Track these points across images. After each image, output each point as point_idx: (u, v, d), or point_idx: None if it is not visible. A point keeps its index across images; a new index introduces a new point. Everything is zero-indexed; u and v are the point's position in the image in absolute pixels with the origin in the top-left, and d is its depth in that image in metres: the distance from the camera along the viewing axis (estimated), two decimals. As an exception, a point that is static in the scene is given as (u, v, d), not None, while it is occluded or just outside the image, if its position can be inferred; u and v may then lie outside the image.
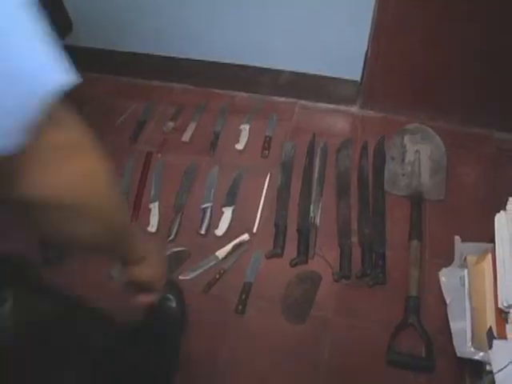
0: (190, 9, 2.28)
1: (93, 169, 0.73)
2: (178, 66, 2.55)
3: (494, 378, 1.22)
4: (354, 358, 1.70)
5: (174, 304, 1.75)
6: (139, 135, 2.38)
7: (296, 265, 1.91)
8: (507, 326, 1.27)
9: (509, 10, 1.95)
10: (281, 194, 2.11)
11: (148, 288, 1.09)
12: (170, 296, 1.76)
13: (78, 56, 2.59)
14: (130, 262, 1.00)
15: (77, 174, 0.69)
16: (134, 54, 2.54)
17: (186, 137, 2.35)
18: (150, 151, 2.30)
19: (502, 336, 1.30)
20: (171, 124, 2.41)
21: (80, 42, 2.51)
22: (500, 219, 1.46)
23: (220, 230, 2.00)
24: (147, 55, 2.53)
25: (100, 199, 0.76)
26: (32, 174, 0.63)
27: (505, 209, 1.46)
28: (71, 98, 0.64)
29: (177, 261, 1.92)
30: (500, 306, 1.32)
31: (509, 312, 1.29)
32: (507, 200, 1.47)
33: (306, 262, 1.92)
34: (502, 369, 1.18)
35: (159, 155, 2.29)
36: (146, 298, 1.11)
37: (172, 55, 2.51)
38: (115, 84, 2.63)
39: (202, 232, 2.00)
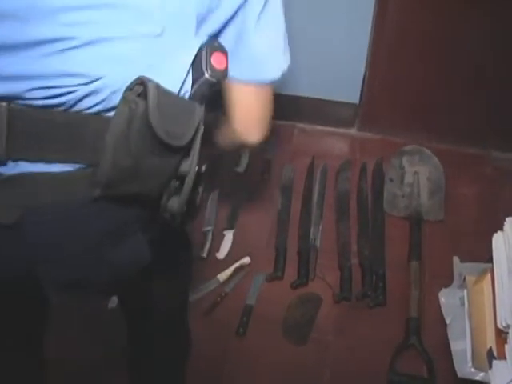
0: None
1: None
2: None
3: (494, 399, 1.22)
4: (355, 379, 1.71)
5: None
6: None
7: (297, 287, 1.92)
8: (506, 346, 1.28)
9: (503, 36, 1.99)
10: (281, 217, 2.13)
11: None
12: None
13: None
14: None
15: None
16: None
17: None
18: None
19: (502, 356, 1.31)
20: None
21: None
22: (498, 240, 1.47)
23: (221, 253, 2.02)
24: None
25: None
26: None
27: (502, 229, 1.47)
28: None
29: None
30: (499, 326, 1.33)
31: (508, 332, 1.29)
32: (505, 221, 1.48)
33: (306, 284, 1.93)
34: (501, 389, 1.19)
35: (161, 179, 2.31)
36: None
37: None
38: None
39: (204, 255, 2.01)
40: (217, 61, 0.83)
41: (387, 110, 2.40)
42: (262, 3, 0.85)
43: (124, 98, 0.75)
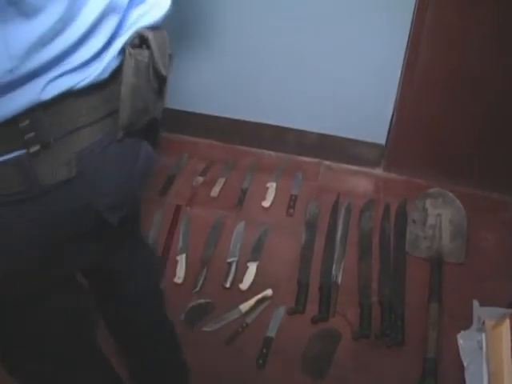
0: (220, 67, 2.40)
1: None
2: (206, 122, 2.66)
3: None
4: (372, 417, 1.72)
5: None
6: (169, 188, 2.47)
7: (317, 322, 1.95)
8: (523, 392, 1.30)
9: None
10: (304, 252, 2.17)
11: None
12: None
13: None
14: None
15: None
16: (165, 109, 2.65)
17: (214, 192, 2.43)
18: (179, 204, 2.38)
19: (519, 401, 1.33)
20: (200, 179, 2.50)
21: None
22: (518, 286, 1.50)
23: (244, 285, 2.06)
24: (178, 111, 2.63)
25: None
26: None
27: (523, 275, 1.50)
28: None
29: (201, 312, 1.97)
30: (516, 371, 1.35)
31: (525, 377, 1.32)
32: (525, 267, 1.51)
33: (326, 319, 1.96)
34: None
35: (188, 208, 2.37)
36: None
37: (202, 112, 2.63)
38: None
39: (227, 285, 2.05)
40: None
41: (413, 152, 2.44)
42: None
43: (129, 54, 0.83)
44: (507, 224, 2.30)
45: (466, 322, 1.87)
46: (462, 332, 1.81)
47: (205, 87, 2.52)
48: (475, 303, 1.90)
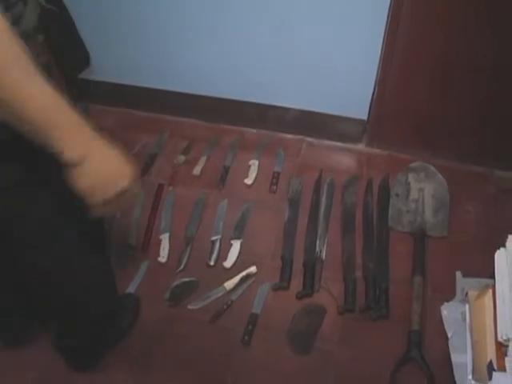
0: (202, 47, 2.37)
1: None
2: (189, 101, 2.63)
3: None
4: (358, 390, 1.74)
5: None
6: (151, 167, 2.45)
7: (302, 297, 1.95)
8: (506, 359, 1.31)
9: (510, 57, 2.03)
10: (288, 229, 2.17)
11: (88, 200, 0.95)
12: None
13: (92, 89, 2.70)
14: (65, 162, 0.89)
15: None
16: (147, 88, 2.63)
17: (196, 170, 2.42)
18: (161, 183, 2.37)
19: (502, 369, 1.34)
20: (182, 157, 2.48)
21: (94, 76, 2.61)
22: (500, 256, 1.50)
23: (228, 262, 2.06)
24: (160, 90, 2.62)
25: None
26: None
27: (504, 246, 1.50)
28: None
29: (186, 291, 1.97)
30: (499, 339, 1.36)
31: (508, 345, 1.33)
32: (507, 237, 1.52)
33: (311, 295, 1.97)
34: (500, 399, 1.22)
35: (170, 187, 2.36)
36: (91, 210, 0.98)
37: (184, 91, 2.60)
38: (128, 117, 2.72)
39: (211, 263, 2.05)
40: None
41: (395, 127, 2.44)
42: None
43: None
44: (489, 197, 2.31)
45: (449, 294, 1.88)
46: (446, 303, 1.82)
47: (186, 66, 2.49)
48: (458, 274, 1.92)
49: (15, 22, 0.93)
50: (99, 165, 0.91)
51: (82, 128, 0.87)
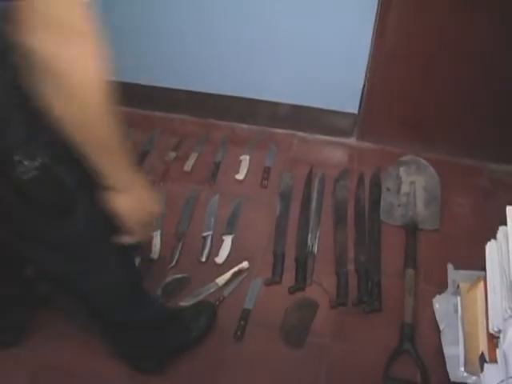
0: (191, 43, 2.36)
1: (87, 53, 0.87)
2: (179, 97, 2.62)
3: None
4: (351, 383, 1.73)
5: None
6: (142, 165, 2.44)
7: (294, 292, 1.95)
8: (498, 350, 1.31)
9: (500, 49, 2.03)
10: (279, 223, 2.16)
11: (124, 226, 1.14)
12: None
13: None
14: (110, 187, 1.06)
15: (74, 53, 0.84)
16: (137, 85, 2.61)
17: (187, 166, 2.41)
18: (152, 180, 2.35)
19: (494, 360, 1.34)
20: (173, 154, 2.47)
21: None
22: (491, 248, 1.51)
23: (220, 258, 2.05)
24: (149, 87, 2.60)
25: (87, 83, 0.89)
26: (37, 27, 0.78)
27: (495, 238, 1.50)
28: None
29: (177, 287, 1.96)
30: (491, 331, 1.36)
31: (499, 337, 1.33)
32: (498, 229, 1.52)
33: (303, 289, 1.96)
34: (491, 390, 1.22)
35: (161, 184, 2.35)
36: (120, 239, 1.19)
37: (174, 87, 2.58)
38: (117, 114, 2.69)
39: (203, 259, 2.05)
40: None
41: (385, 121, 2.44)
42: None
43: None
44: (480, 189, 2.32)
45: (441, 287, 1.88)
46: (438, 296, 1.82)
47: (175, 62, 2.48)
48: (450, 267, 1.92)
49: None
50: (138, 195, 1.11)
51: (129, 164, 1.05)
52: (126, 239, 1.19)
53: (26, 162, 0.93)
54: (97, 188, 1.06)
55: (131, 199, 1.10)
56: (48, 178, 0.99)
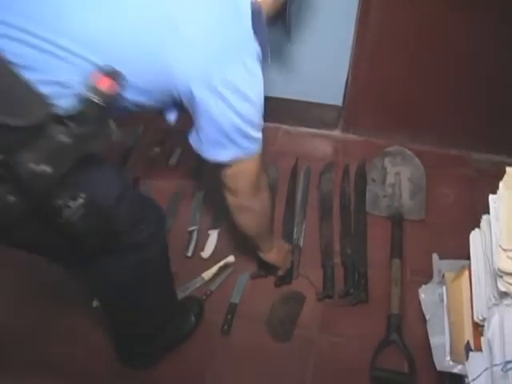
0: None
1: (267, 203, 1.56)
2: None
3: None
4: (338, 375, 1.74)
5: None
6: (126, 161, 2.42)
7: (280, 285, 1.95)
8: (482, 339, 1.31)
9: (481, 39, 2.03)
10: (265, 217, 2.15)
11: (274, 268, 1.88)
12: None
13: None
14: (265, 250, 1.75)
15: (262, 204, 1.54)
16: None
17: (172, 161, 2.40)
18: (137, 176, 2.34)
19: (479, 348, 1.34)
20: (157, 149, 2.46)
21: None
22: (475, 237, 1.51)
23: (206, 253, 2.05)
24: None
25: (267, 221, 1.62)
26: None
27: (479, 227, 1.50)
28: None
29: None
30: (476, 319, 1.36)
31: (484, 325, 1.33)
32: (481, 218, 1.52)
33: (290, 282, 1.96)
34: (476, 377, 1.22)
35: (146, 180, 2.33)
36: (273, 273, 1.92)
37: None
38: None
39: (189, 254, 2.04)
40: (102, 83, 0.98)
41: (370, 112, 2.44)
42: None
43: None
44: (465, 179, 2.32)
45: (427, 277, 1.89)
46: (424, 286, 1.82)
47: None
48: (435, 257, 1.92)
49: None
50: (278, 251, 1.83)
51: (273, 234, 1.78)
52: (278, 273, 1.91)
53: (70, 204, 0.98)
54: None
55: (275, 254, 1.79)
56: (95, 208, 1.05)
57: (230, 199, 1.46)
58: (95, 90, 0.97)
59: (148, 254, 1.39)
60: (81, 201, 0.98)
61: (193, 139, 1.35)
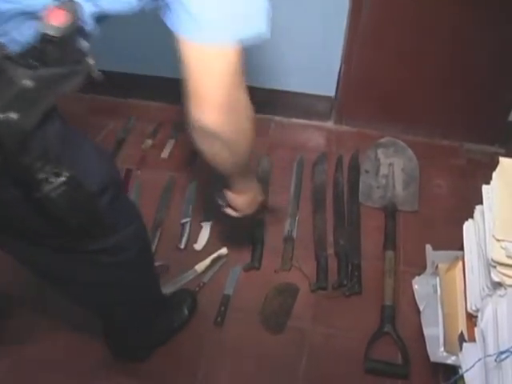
0: (166, 28, 2.33)
1: (246, 123, 1.13)
2: (154, 84, 2.59)
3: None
4: (332, 367, 1.73)
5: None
6: (118, 153, 2.41)
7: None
8: (476, 329, 1.31)
9: (474, 32, 2.03)
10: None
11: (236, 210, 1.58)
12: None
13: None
14: (234, 190, 1.47)
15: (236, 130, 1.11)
16: (111, 72, 2.57)
17: (164, 154, 2.39)
18: (129, 168, 2.33)
19: (472, 339, 1.34)
20: (150, 141, 2.45)
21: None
22: (468, 227, 1.50)
23: (199, 245, 2.04)
24: (123, 74, 2.56)
25: (244, 144, 1.17)
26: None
27: (473, 217, 1.50)
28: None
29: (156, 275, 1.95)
30: (469, 310, 1.36)
31: (477, 316, 1.33)
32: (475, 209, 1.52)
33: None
34: (470, 368, 1.22)
35: (138, 172, 2.32)
36: (231, 213, 1.60)
37: (149, 74, 2.55)
38: (92, 102, 2.66)
39: (182, 246, 2.03)
40: (54, 16, 0.86)
41: (363, 103, 2.43)
42: None
43: None
44: (459, 170, 2.32)
45: (421, 268, 1.89)
46: (417, 277, 1.82)
47: (149, 49, 2.44)
48: (428, 248, 1.92)
49: None
50: (253, 195, 1.53)
51: (252, 174, 1.50)
52: (235, 215, 1.60)
53: (52, 179, 0.91)
54: None
55: (247, 198, 1.52)
56: (76, 191, 0.97)
57: (193, 112, 1.03)
58: (47, 26, 0.85)
59: (122, 257, 1.31)
60: (63, 179, 0.93)
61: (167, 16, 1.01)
